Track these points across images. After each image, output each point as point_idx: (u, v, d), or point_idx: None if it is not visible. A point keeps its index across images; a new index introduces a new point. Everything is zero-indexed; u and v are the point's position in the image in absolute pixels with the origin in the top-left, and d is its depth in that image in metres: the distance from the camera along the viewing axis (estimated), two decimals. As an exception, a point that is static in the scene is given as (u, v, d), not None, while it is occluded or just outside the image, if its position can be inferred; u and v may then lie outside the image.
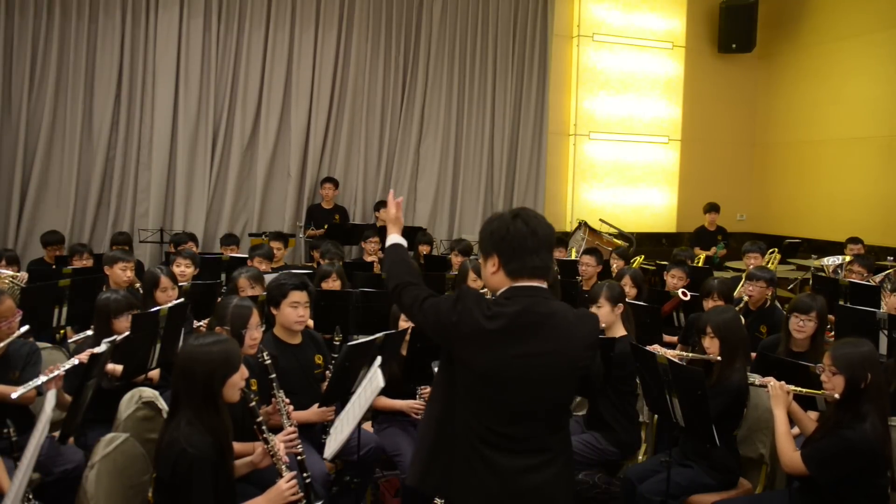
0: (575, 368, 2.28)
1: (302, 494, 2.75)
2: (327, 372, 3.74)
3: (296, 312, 3.62)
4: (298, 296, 3.62)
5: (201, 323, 4.39)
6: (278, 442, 2.86)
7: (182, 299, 4.17)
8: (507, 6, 9.51)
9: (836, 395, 2.93)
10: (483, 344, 2.17)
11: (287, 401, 3.23)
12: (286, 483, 2.69)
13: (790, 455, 2.99)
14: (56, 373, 3.04)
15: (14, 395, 3.00)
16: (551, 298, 2.27)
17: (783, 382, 3.20)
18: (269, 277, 5.11)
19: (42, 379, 3.02)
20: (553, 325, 2.21)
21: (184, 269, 5.29)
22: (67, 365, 3.17)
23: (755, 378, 3.38)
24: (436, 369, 3.23)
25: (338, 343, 3.84)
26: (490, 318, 2.17)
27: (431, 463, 2.29)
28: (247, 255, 6.10)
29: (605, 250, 7.31)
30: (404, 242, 2.52)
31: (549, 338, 2.20)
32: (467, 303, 2.19)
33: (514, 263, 2.22)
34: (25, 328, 3.54)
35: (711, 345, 3.53)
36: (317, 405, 3.57)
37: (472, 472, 2.21)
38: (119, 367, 3.61)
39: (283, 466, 2.77)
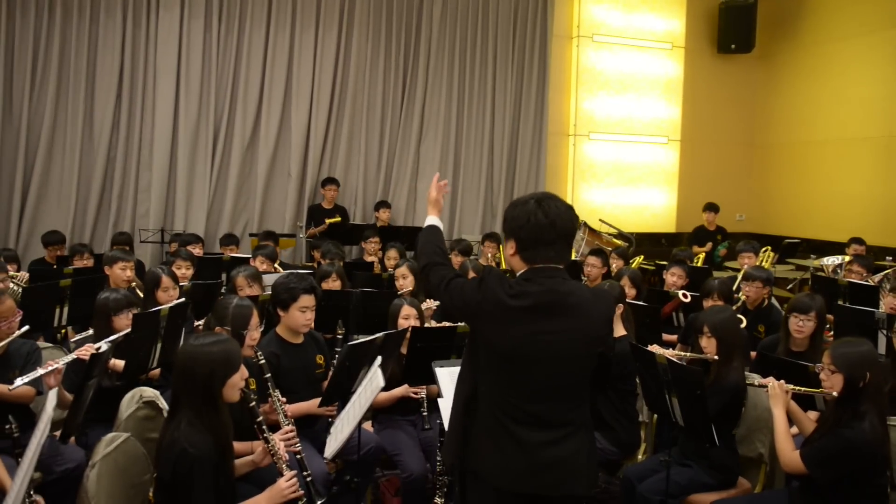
0: (595, 344, 2.40)
1: (302, 493, 2.76)
2: (328, 372, 3.75)
3: (304, 316, 3.63)
4: (308, 300, 3.63)
5: (199, 322, 4.40)
6: (278, 441, 2.87)
7: (182, 299, 4.18)
8: (507, 6, 9.51)
9: (835, 394, 2.94)
10: (506, 321, 2.27)
11: (283, 399, 3.24)
12: (286, 482, 2.70)
13: (789, 454, 3.00)
14: (55, 366, 3.04)
15: (11, 388, 3.01)
16: (568, 278, 2.36)
17: (782, 382, 3.21)
18: (269, 277, 5.13)
19: (40, 372, 3.02)
20: (573, 304, 2.31)
21: (184, 272, 5.29)
22: (67, 359, 3.17)
23: (755, 378, 3.39)
24: (436, 369, 3.25)
25: (340, 336, 3.84)
26: (513, 296, 2.27)
27: (464, 441, 2.38)
28: (247, 255, 6.10)
29: (605, 250, 7.32)
30: (440, 225, 2.63)
31: (569, 315, 2.30)
32: (491, 282, 2.31)
33: (529, 252, 2.33)
34: (25, 328, 3.55)
35: (709, 344, 3.54)
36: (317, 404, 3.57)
37: (500, 448, 2.30)
38: (121, 363, 3.62)
39: (284, 465, 2.78)
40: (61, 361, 3.11)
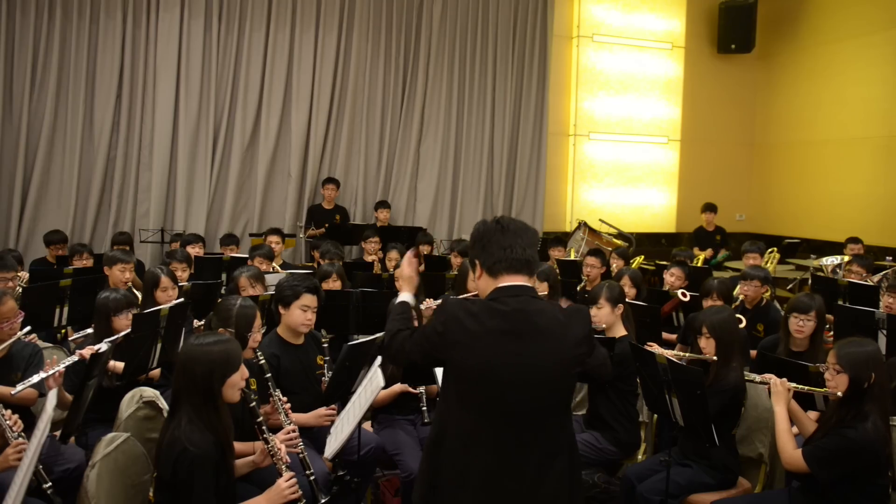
0: (570, 366, 2.27)
1: (301, 493, 2.76)
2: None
3: (305, 315, 3.63)
4: (310, 299, 3.63)
5: (201, 323, 4.39)
6: (278, 441, 2.87)
7: (182, 299, 4.18)
8: (507, 6, 9.51)
9: (839, 394, 2.94)
10: (473, 345, 2.17)
11: (284, 399, 3.24)
12: (286, 482, 2.70)
13: (791, 452, 3.00)
14: (56, 368, 3.04)
15: (13, 392, 3.01)
16: (538, 297, 2.27)
17: (784, 379, 3.21)
18: (270, 277, 5.13)
19: (41, 375, 3.02)
20: (543, 325, 2.20)
21: (180, 273, 5.28)
22: (68, 361, 3.17)
23: (755, 375, 3.38)
24: (436, 369, 3.25)
25: (325, 344, 3.81)
26: (476, 318, 2.18)
27: (431, 484, 2.25)
28: (247, 255, 6.10)
29: (605, 250, 7.32)
30: (412, 301, 2.50)
31: (540, 337, 2.19)
32: (449, 310, 2.21)
33: (489, 260, 2.26)
34: (27, 329, 3.55)
35: (707, 345, 3.54)
36: (323, 409, 3.57)
37: (469, 489, 2.17)
38: (120, 365, 3.62)
39: (283, 466, 2.78)
40: (62, 364, 3.11)
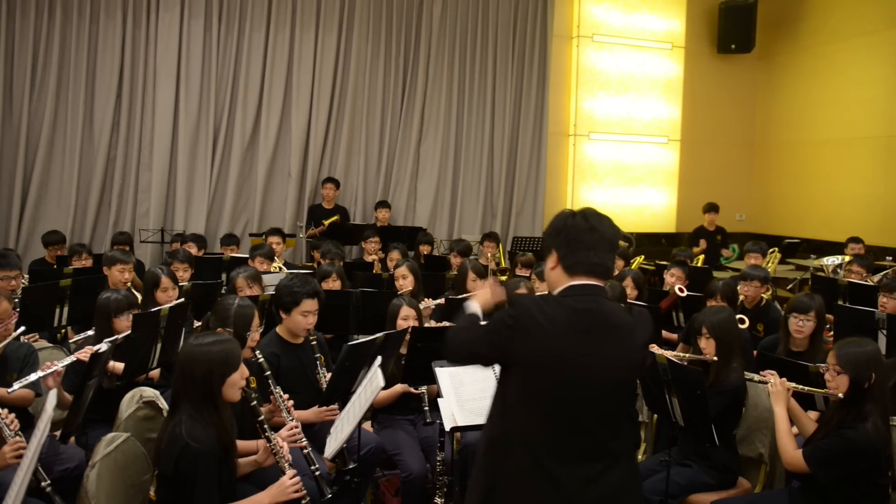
0: (636, 369, 2.26)
1: (305, 493, 2.76)
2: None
3: (306, 320, 3.63)
4: (310, 304, 3.62)
5: (199, 324, 4.39)
6: (280, 440, 2.87)
7: (182, 299, 4.18)
8: (507, 6, 9.51)
9: (840, 395, 2.94)
10: (544, 341, 2.10)
11: (286, 396, 3.24)
12: (289, 479, 2.70)
13: (791, 453, 2.99)
14: (53, 368, 3.04)
15: (10, 391, 3.01)
16: (608, 298, 2.22)
17: (784, 379, 3.20)
18: (269, 277, 5.13)
19: (39, 374, 3.01)
20: (615, 326, 2.16)
21: (182, 273, 5.28)
22: (66, 361, 3.17)
23: (754, 374, 3.38)
24: (436, 369, 3.25)
25: (314, 343, 3.76)
26: (549, 314, 2.11)
27: (489, 488, 2.18)
28: (247, 255, 6.10)
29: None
30: (479, 313, 2.42)
31: (611, 338, 2.15)
32: (521, 305, 2.15)
33: (570, 258, 2.17)
34: (21, 329, 3.55)
35: (707, 345, 3.54)
36: (317, 406, 3.57)
37: (534, 492, 2.11)
38: (120, 365, 3.62)
39: (286, 464, 2.78)
40: (60, 364, 3.10)
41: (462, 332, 2.31)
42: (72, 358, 3.24)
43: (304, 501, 2.79)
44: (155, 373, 3.90)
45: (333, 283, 5.12)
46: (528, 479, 2.11)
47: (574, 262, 2.17)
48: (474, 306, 2.43)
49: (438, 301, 4.82)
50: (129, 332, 3.61)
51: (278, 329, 3.73)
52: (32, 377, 3.03)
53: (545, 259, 2.26)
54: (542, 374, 2.12)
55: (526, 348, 2.12)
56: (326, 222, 8.11)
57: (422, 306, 4.37)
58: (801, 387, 3.20)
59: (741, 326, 4.51)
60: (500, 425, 2.20)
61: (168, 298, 4.32)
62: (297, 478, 2.73)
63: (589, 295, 2.16)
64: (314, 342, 3.72)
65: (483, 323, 2.34)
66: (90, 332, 3.79)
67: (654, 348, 3.63)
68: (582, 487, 2.11)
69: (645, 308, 2.47)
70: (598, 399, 2.14)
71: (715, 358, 3.48)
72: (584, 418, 2.13)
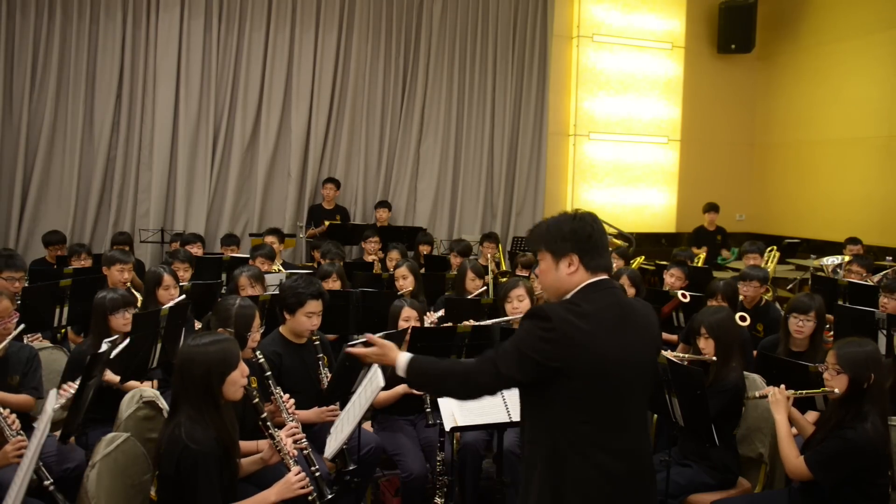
0: (657, 352, 2.38)
1: (311, 488, 2.77)
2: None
3: (310, 322, 3.63)
4: (315, 305, 3.62)
5: (200, 325, 4.39)
6: (284, 437, 2.87)
7: (183, 296, 4.18)
8: (507, 6, 9.51)
9: (837, 391, 2.95)
10: (590, 346, 2.11)
11: (286, 396, 3.24)
12: (294, 476, 2.70)
13: (794, 461, 2.99)
14: (68, 395, 3.06)
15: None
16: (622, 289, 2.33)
17: (783, 387, 3.20)
18: (270, 277, 5.13)
19: (52, 400, 2.85)
20: (636, 313, 2.26)
21: (182, 273, 5.28)
22: (56, 404, 3.13)
23: (755, 391, 3.38)
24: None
25: (317, 343, 3.76)
26: (587, 316, 2.13)
27: (553, 499, 2.17)
28: (247, 255, 6.10)
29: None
30: (408, 356, 2.30)
31: (638, 326, 2.24)
32: (559, 314, 2.12)
33: (596, 260, 2.23)
34: (21, 327, 3.55)
35: (706, 345, 3.54)
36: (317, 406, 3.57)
37: (600, 490, 2.15)
38: (116, 378, 3.59)
39: (291, 460, 2.78)
40: (71, 391, 3.09)
41: (457, 375, 2.23)
42: (62, 400, 3.13)
43: (310, 498, 2.79)
44: (154, 384, 3.87)
45: (333, 283, 5.12)
46: (592, 484, 2.14)
47: (598, 263, 2.25)
48: (402, 358, 2.30)
49: (440, 314, 4.80)
50: (125, 330, 3.61)
51: (281, 329, 3.73)
52: (54, 402, 2.84)
53: (554, 262, 2.25)
54: (593, 377, 2.13)
55: (574, 356, 2.10)
56: (327, 223, 8.12)
57: (427, 322, 4.37)
58: (800, 392, 3.19)
59: (742, 324, 4.51)
60: (547, 439, 2.17)
61: (170, 297, 4.32)
62: (303, 474, 2.74)
63: (610, 289, 2.24)
64: (317, 342, 3.72)
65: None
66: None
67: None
68: (639, 469, 2.20)
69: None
70: (637, 390, 2.23)
71: (714, 358, 3.48)
72: (630, 406, 2.21)
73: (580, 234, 2.24)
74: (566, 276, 2.23)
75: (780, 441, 3.08)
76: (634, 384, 2.21)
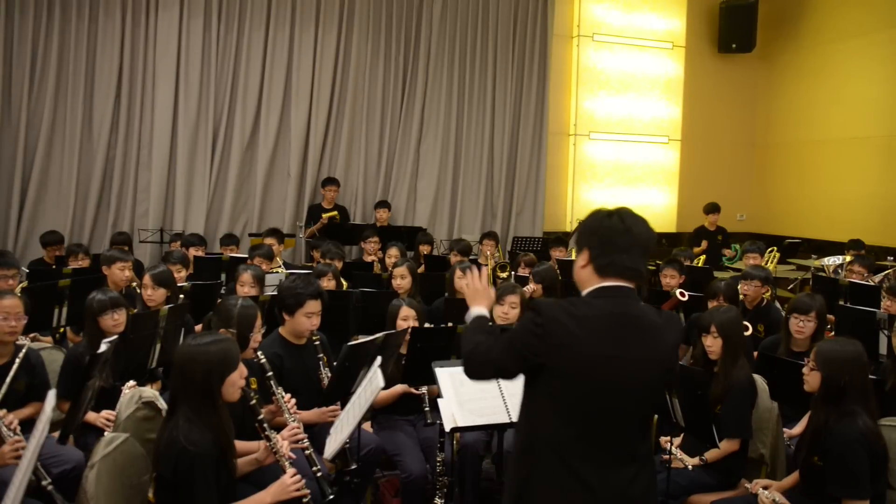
0: (666, 374, 2.23)
1: (307, 492, 2.76)
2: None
3: (310, 322, 3.62)
4: (314, 305, 3.61)
5: (200, 325, 4.38)
6: (280, 439, 2.86)
7: (182, 296, 4.18)
8: (507, 6, 9.50)
9: (806, 388, 3.00)
10: (576, 348, 2.08)
11: (287, 396, 3.23)
12: (290, 478, 2.69)
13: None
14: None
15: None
16: (638, 300, 2.19)
17: (766, 492, 3.12)
18: (269, 277, 5.13)
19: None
20: (644, 328, 2.14)
21: (176, 275, 5.25)
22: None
23: (745, 482, 3.34)
24: (436, 369, 3.24)
25: (316, 343, 3.76)
26: (578, 320, 2.09)
27: (519, 495, 2.16)
28: (246, 255, 6.09)
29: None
30: (486, 314, 2.38)
31: (641, 341, 2.13)
32: (547, 312, 2.10)
33: (602, 259, 2.15)
34: (31, 336, 3.54)
35: (714, 344, 3.56)
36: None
37: (566, 496, 2.10)
38: (101, 418, 3.50)
39: (286, 463, 2.77)
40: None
41: (480, 345, 2.23)
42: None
43: (305, 500, 2.78)
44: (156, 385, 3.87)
45: (328, 283, 5.11)
46: (559, 486, 2.10)
47: (606, 263, 2.15)
48: (478, 309, 2.39)
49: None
50: (116, 331, 3.60)
51: (281, 330, 3.72)
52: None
53: (576, 256, 2.25)
54: (573, 380, 2.10)
55: (556, 355, 2.09)
56: (325, 216, 8.10)
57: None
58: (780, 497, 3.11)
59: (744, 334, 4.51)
60: (528, 432, 2.18)
61: (147, 297, 4.32)
62: (298, 476, 2.73)
63: (619, 297, 2.14)
64: (317, 342, 3.71)
65: (491, 324, 2.31)
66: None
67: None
68: (615, 493, 2.09)
69: (674, 313, 2.45)
70: (629, 402, 2.13)
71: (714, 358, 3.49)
72: (615, 423, 2.11)
73: (589, 229, 2.21)
74: (579, 268, 2.21)
75: None
76: (625, 401, 2.11)
